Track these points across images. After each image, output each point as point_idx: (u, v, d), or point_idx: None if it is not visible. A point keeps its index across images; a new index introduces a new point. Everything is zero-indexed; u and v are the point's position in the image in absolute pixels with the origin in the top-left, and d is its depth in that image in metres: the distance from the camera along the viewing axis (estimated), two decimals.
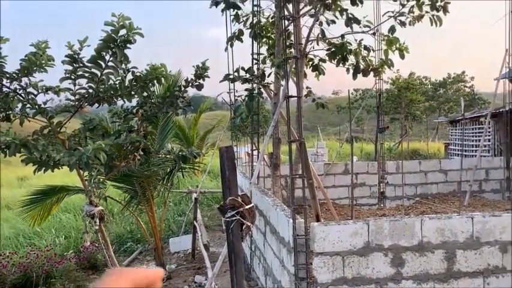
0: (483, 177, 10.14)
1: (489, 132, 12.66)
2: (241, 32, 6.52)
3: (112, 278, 0.55)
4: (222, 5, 6.16)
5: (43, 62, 4.07)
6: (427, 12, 6.08)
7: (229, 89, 6.74)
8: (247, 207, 2.60)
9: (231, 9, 6.28)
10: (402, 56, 6.25)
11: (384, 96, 14.96)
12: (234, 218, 2.55)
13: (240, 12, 6.49)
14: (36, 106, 4.17)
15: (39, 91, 4.20)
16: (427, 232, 3.74)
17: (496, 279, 3.81)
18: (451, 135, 16.30)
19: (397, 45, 6.23)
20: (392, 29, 6.21)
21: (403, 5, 6.16)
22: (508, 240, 3.82)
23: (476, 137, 13.73)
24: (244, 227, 2.59)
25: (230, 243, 2.58)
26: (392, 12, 6.24)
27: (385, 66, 6.43)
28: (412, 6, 6.14)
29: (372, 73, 6.54)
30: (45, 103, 4.22)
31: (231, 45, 6.56)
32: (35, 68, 4.06)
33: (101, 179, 4.68)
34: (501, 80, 10.40)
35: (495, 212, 4.04)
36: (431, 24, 5.98)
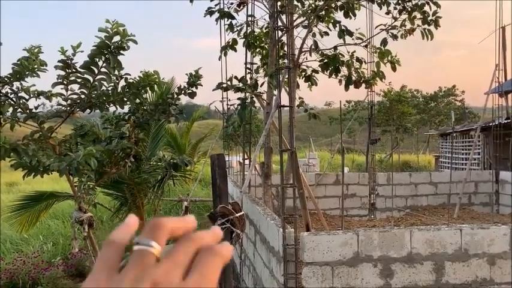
0: (472, 190, 10.22)
1: (479, 145, 12.79)
2: (235, 42, 6.57)
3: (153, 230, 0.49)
4: (216, 15, 6.21)
5: (35, 66, 4.06)
6: (418, 26, 6.17)
7: (222, 98, 6.77)
8: (237, 215, 2.60)
9: (225, 19, 6.33)
10: (394, 69, 6.33)
11: (375, 108, 15.07)
12: (224, 226, 2.55)
13: (234, 22, 6.54)
14: (28, 111, 4.15)
15: (31, 96, 4.18)
16: (417, 243, 3.76)
17: None
18: (442, 148, 16.45)
19: (389, 58, 6.30)
20: (384, 42, 6.29)
21: (396, 19, 6.25)
22: (495, 253, 3.85)
23: (466, 150, 13.86)
24: (234, 235, 2.59)
25: None
26: (385, 25, 6.32)
27: (377, 78, 6.50)
28: (404, 20, 6.23)
29: (363, 85, 6.60)
30: (36, 108, 4.20)
31: (225, 54, 6.59)
32: (27, 73, 4.04)
33: (91, 185, 4.65)
34: (491, 94, 10.54)
35: (483, 225, 4.07)
36: (423, 38, 6.07)
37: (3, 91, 4.09)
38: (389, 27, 6.30)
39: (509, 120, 10.90)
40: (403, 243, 3.74)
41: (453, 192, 9.63)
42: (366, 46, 6.51)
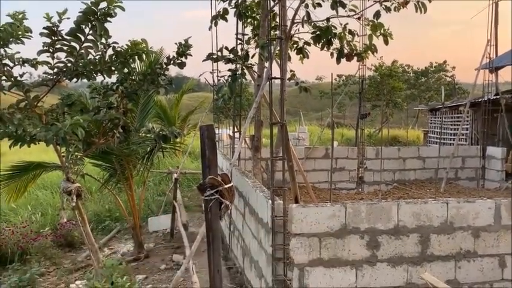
0: (459, 165, 10.36)
1: (467, 121, 12.90)
2: (226, 11, 6.42)
3: None
4: None
5: (20, 33, 3.94)
6: None
7: (212, 70, 6.67)
8: (226, 186, 2.59)
9: None
10: (386, 42, 6.27)
11: (366, 82, 15.06)
12: (213, 197, 2.54)
13: None
14: (12, 79, 4.05)
15: (16, 63, 4.08)
16: (403, 216, 3.81)
17: (467, 263, 3.92)
18: (431, 123, 16.55)
19: (382, 31, 6.23)
20: (377, 14, 6.20)
21: None
22: (480, 226, 3.92)
23: (454, 125, 13.98)
24: (222, 206, 2.59)
25: (208, 221, 2.58)
26: None
27: (369, 52, 6.44)
28: None
29: (355, 58, 6.54)
30: (21, 76, 4.10)
31: (215, 24, 6.46)
32: (11, 39, 3.93)
33: (79, 156, 4.61)
34: (481, 70, 10.55)
35: (469, 198, 4.13)
36: (416, 11, 5.99)
37: None
38: (383, 0, 6.21)
39: (498, 96, 10.96)
40: (390, 216, 3.78)
41: (440, 167, 9.75)
42: (358, 18, 6.41)
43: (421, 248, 3.84)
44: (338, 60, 6.31)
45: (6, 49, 4.04)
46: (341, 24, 6.29)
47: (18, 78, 4.10)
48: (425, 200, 4.04)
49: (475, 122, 12.78)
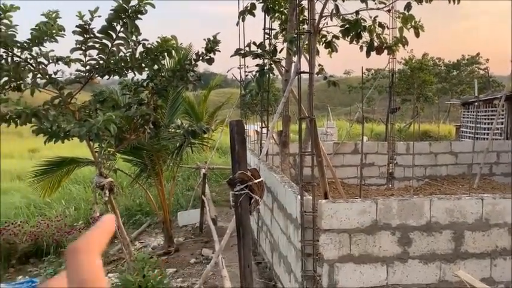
0: (494, 160, 10.04)
1: (502, 115, 12.47)
2: (253, 6, 6.40)
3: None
4: None
5: (54, 31, 4.04)
6: None
7: (240, 65, 6.68)
8: (256, 181, 2.59)
9: None
10: (417, 34, 6.11)
11: (396, 76, 14.76)
12: (243, 192, 2.55)
13: None
14: (47, 76, 4.16)
15: (50, 61, 4.19)
16: (436, 212, 3.72)
17: (503, 261, 3.81)
18: (463, 117, 16.09)
19: (413, 23, 6.08)
20: (408, 6, 6.05)
21: None
22: None
23: (488, 119, 13.54)
24: (252, 200, 2.59)
25: (238, 216, 2.59)
26: None
27: (400, 45, 6.30)
28: None
29: (385, 51, 6.41)
30: (55, 73, 4.21)
31: (243, 20, 6.45)
32: (45, 38, 4.03)
33: (111, 151, 4.70)
34: None
35: (506, 195, 4.00)
36: (449, 2, 5.82)
37: (23, 56, 4.10)
38: None
39: None
40: (422, 212, 3.70)
41: (474, 162, 9.48)
42: (388, 11, 6.28)
43: (454, 245, 3.74)
44: (368, 54, 6.20)
45: (41, 47, 4.15)
46: (370, 17, 6.18)
47: (53, 75, 4.21)
48: (458, 196, 3.93)
49: (510, 115, 12.35)
